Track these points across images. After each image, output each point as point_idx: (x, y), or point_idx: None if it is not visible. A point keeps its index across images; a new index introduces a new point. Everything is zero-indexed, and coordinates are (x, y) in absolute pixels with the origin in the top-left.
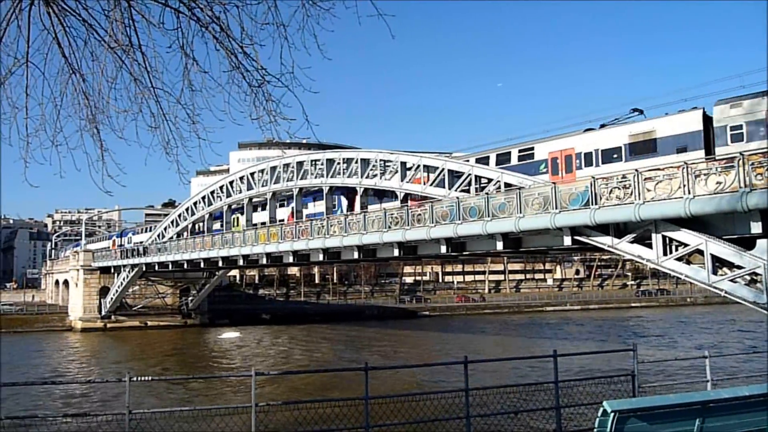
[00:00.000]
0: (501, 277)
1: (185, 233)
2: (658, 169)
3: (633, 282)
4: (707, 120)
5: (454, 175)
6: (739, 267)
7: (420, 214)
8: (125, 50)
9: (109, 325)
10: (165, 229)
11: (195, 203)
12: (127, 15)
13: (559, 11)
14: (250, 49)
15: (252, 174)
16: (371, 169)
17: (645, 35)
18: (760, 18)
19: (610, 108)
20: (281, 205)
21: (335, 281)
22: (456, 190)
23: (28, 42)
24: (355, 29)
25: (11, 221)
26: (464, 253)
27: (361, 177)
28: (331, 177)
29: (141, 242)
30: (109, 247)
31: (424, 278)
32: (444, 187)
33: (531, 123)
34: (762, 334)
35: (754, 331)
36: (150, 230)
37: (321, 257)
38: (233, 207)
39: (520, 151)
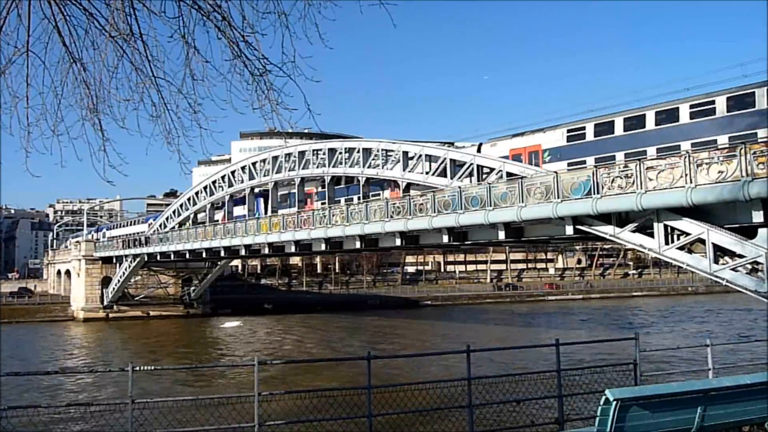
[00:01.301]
0: (503, 266)
1: (187, 223)
2: (660, 159)
3: (634, 271)
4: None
5: (456, 164)
6: (741, 256)
7: (422, 204)
8: (126, 39)
9: (111, 315)
10: (167, 219)
11: (197, 193)
12: (127, 3)
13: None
14: (251, 38)
15: (254, 164)
16: (373, 159)
17: (648, 25)
18: (761, 7)
19: (613, 96)
20: (217, 209)
21: (337, 271)
22: (458, 180)
23: (28, 31)
24: (357, 18)
25: (12, 211)
26: (466, 242)
27: (363, 167)
28: (333, 167)
29: (113, 237)
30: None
31: (426, 268)
32: (446, 176)
33: (534, 112)
34: (762, 322)
35: (757, 320)
36: (123, 226)
37: (323, 247)
38: (235, 197)
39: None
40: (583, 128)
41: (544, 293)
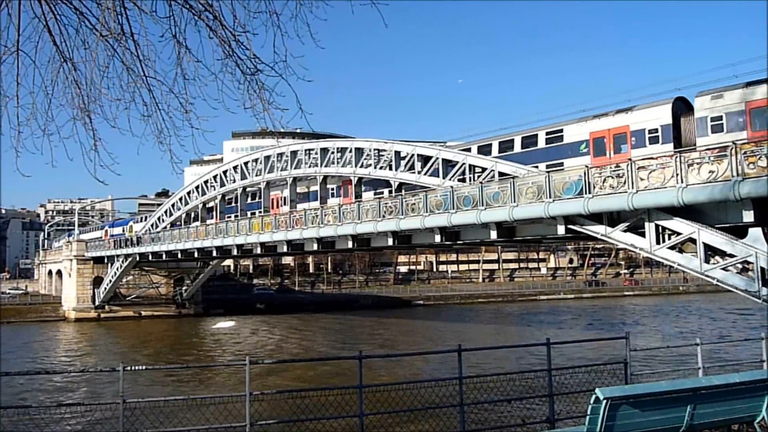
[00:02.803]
0: (495, 266)
1: (179, 223)
2: (651, 158)
3: (626, 270)
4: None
5: (449, 164)
6: (732, 255)
7: (414, 204)
8: (117, 38)
9: (102, 315)
10: (158, 218)
11: (188, 193)
12: (118, 3)
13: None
14: (242, 37)
15: (246, 163)
16: (365, 159)
17: (639, 23)
18: (757, 7)
19: (604, 96)
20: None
21: (329, 271)
22: (450, 179)
23: (18, 30)
24: (348, 18)
25: (3, 211)
26: (458, 242)
27: (355, 166)
28: (325, 166)
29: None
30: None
31: (419, 267)
32: (438, 176)
33: (527, 111)
34: (749, 322)
35: (745, 318)
36: (87, 232)
37: (315, 246)
38: (227, 197)
39: None
40: None
41: (624, 289)
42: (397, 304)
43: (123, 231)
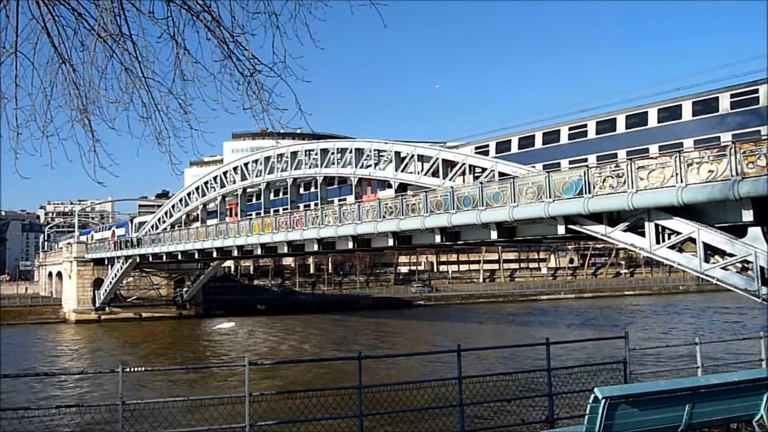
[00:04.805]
0: (495, 266)
1: (179, 224)
2: (651, 158)
3: (626, 270)
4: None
5: (449, 164)
6: (731, 255)
7: (414, 204)
8: (115, 39)
9: (103, 317)
10: (159, 220)
11: (189, 194)
12: (116, 4)
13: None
14: (241, 38)
15: (246, 164)
16: (365, 159)
17: (639, 23)
18: (757, 7)
19: (605, 96)
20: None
21: (330, 271)
22: (450, 180)
23: (16, 31)
24: (348, 18)
25: (3, 213)
26: (459, 242)
27: (356, 167)
28: (325, 167)
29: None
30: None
31: (419, 268)
32: (438, 176)
33: (526, 111)
34: (748, 320)
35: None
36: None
37: (315, 247)
38: (227, 197)
39: None
40: None
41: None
42: (398, 304)
43: (86, 240)
